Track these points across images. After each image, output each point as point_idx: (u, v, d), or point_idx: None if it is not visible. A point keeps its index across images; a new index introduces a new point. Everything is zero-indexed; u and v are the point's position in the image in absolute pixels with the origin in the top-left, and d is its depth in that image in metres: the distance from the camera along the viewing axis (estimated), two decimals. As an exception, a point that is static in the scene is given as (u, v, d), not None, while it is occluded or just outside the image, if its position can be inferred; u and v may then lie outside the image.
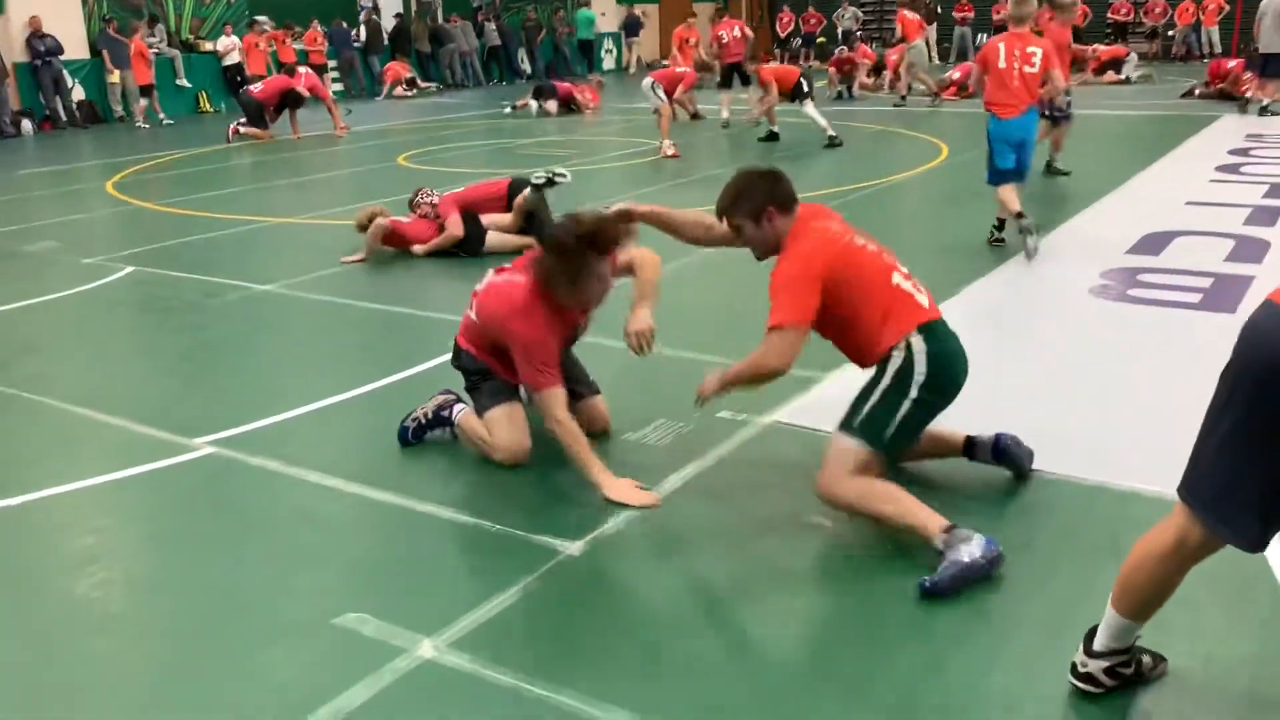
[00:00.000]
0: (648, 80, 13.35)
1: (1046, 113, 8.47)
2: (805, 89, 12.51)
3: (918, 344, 3.20)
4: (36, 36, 16.59)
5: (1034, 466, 3.61)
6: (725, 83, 14.29)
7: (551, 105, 17.35)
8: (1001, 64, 6.73)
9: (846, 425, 3.22)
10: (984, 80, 6.90)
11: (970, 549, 2.93)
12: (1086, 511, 3.39)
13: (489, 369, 3.89)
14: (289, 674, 2.65)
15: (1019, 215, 6.60)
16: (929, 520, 3.04)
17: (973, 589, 2.90)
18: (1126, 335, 5.16)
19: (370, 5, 23.74)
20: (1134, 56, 20.20)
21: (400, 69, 21.74)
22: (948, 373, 3.25)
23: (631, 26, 26.89)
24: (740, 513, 3.49)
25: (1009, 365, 4.75)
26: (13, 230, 8.78)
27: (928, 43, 17.80)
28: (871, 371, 3.30)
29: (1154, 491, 3.37)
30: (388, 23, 23.28)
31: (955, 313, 5.57)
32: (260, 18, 19.22)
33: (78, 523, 3.61)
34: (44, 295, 6.55)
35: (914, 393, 3.18)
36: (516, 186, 7.26)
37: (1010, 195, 6.76)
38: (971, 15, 25.54)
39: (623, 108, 18.43)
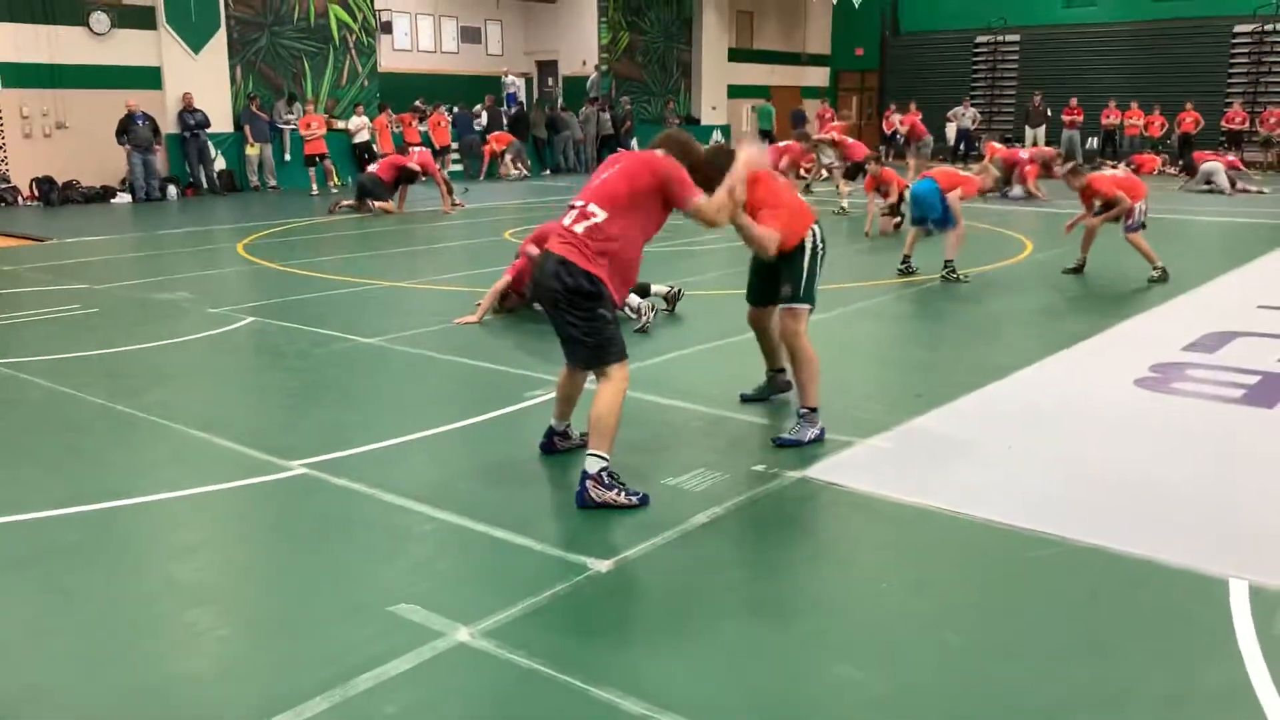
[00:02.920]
0: None
1: (1126, 226, 9.51)
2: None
3: (817, 230, 5.08)
4: (187, 111, 18.10)
5: (1029, 525, 3.96)
6: (851, 174, 15.39)
7: None
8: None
9: (795, 297, 4.98)
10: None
11: (814, 430, 4.88)
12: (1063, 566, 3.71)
13: (608, 293, 4.18)
14: (347, 644, 3.14)
15: (905, 256, 9.91)
16: (813, 397, 4.93)
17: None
18: (1154, 423, 5.41)
19: (514, 90, 25.24)
20: (1215, 167, 19.55)
21: (500, 142, 22.45)
22: (827, 245, 5.14)
23: (796, 118, 27.62)
24: (759, 549, 3.92)
25: (1035, 438, 5.06)
26: (153, 281, 9.74)
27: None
28: (790, 254, 4.97)
29: (1117, 549, 3.69)
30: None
31: (1006, 390, 5.92)
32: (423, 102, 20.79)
33: (185, 521, 4.21)
34: (175, 338, 7.34)
35: (821, 263, 5.08)
36: None
37: (910, 237, 10.01)
38: (1081, 119, 25.72)
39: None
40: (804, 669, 3.08)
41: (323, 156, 19.21)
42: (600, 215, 4.19)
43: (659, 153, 4.41)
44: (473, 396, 5.93)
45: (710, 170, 4.53)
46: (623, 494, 4.15)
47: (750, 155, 4.64)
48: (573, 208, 4.32)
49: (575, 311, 4.18)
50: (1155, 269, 9.54)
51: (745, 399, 5.58)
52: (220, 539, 4.08)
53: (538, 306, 7.61)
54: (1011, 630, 3.28)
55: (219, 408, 5.71)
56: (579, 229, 4.21)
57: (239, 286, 9.79)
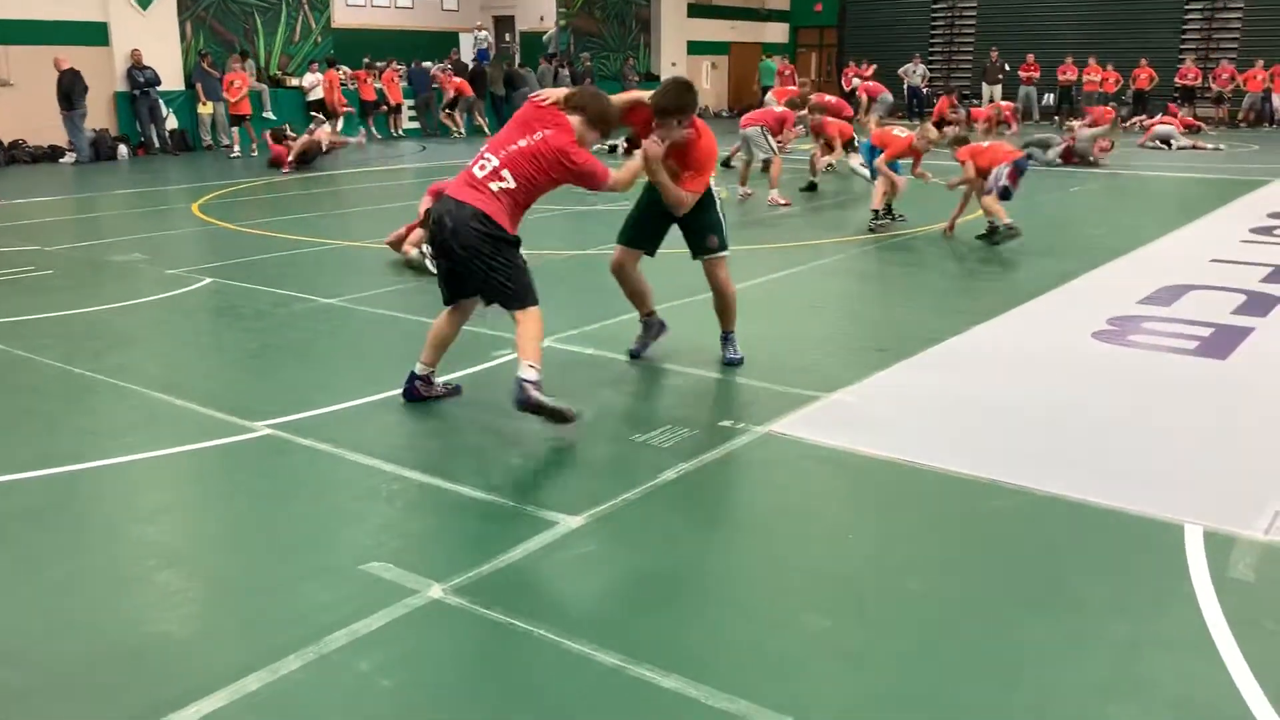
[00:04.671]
0: (754, 128, 12.19)
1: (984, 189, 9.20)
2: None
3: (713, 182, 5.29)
4: (136, 68, 17.69)
5: (990, 476, 4.04)
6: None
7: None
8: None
9: (723, 246, 5.36)
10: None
11: (737, 349, 5.52)
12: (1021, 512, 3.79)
13: (517, 241, 4.51)
14: (319, 603, 3.14)
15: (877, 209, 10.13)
16: (732, 321, 5.51)
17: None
18: (1112, 374, 5.51)
19: (485, 46, 24.95)
20: (1172, 130, 19.78)
21: (462, 90, 22.09)
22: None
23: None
24: (727, 503, 3.98)
25: (996, 390, 5.14)
26: (107, 242, 9.58)
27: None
28: (701, 205, 5.19)
29: (1076, 498, 3.78)
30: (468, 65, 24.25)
31: (967, 343, 6.00)
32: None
33: (151, 482, 4.18)
34: (132, 299, 7.23)
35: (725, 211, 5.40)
36: None
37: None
38: (1037, 75, 25.85)
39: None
40: (774, 619, 3.13)
41: (247, 117, 18.46)
42: (511, 183, 4.48)
43: (575, 122, 4.57)
44: (437, 356, 5.91)
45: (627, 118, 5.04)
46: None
47: (650, 149, 4.94)
48: (485, 161, 4.51)
49: (499, 257, 4.42)
50: (1002, 224, 9.03)
51: (634, 355, 5.66)
52: (187, 501, 4.06)
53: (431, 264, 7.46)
54: (974, 578, 3.35)
55: (180, 369, 5.65)
56: (493, 186, 4.46)
57: (195, 247, 9.65)
